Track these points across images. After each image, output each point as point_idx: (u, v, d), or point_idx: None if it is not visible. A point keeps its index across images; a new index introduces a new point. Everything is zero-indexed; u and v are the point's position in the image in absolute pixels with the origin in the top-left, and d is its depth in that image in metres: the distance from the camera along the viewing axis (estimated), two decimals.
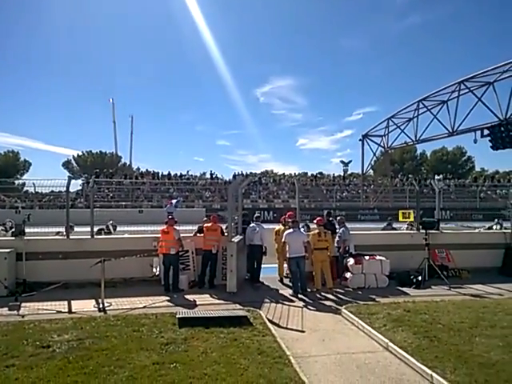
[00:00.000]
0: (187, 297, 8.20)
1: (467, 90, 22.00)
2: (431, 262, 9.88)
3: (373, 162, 34.64)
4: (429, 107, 25.52)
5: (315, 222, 9.60)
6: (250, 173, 42.38)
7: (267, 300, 8.14)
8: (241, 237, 9.57)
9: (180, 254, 8.98)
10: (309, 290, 8.74)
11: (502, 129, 19.72)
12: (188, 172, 38.79)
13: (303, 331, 6.39)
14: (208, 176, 39.19)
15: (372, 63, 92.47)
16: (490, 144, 20.70)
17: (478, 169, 59.50)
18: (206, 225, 9.36)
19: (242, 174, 38.39)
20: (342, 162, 52.09)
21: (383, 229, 13.23)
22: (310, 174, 48.49)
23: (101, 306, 7.30)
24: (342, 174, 47.04)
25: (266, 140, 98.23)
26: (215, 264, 9.15)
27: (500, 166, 57.61)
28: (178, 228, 8.96)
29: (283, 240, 8.84)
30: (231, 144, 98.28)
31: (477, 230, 13.08)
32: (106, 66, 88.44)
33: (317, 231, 9.27)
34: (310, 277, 9.13)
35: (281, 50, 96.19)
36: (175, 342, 5.52)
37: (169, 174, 36.67)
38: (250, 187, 34.06)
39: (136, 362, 4.91)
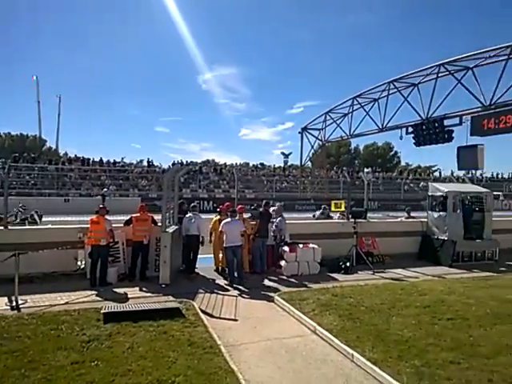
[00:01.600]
0: (116, 290, 7.79)
1: (395, 90, 23.49)
2: (358, 249, 10.47)
3: (311, 155, 35.81)
4: (362, 104, 26.88)
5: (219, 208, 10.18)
6: (191, 162, 41.44)
7: (202, 290, 8.04)
8: (176, 227, 9.33)
9: (110, 245, 8.50)
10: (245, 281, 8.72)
11: (424, 127, 21.35)
12: (123, 159, 36.92)
13: (236, 320, 6.40)
14: (145, 164, 37.68)
15: (315, 58, 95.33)
16: (414, 141, 22.36)
17: (403, 163, 64.23)
18: (134, 215, 8.96)
19: (182, 162, 37.42)
20: (283, 153, 53.20)
21: (317, 217, 13.68)
22: (251, 165, 48.87)
23: (14, 303, 6.62)
24: (283, 166, 48.06)
25: (209, 129, 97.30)
26: (146, 255, 8.81)
27: (422, 161, 62.72)
28: (109, 218, 8.48)
29: (220, 229, 8.81)
30: (171, 131, 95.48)
31: (399, 219, 14.06)
32: (32, 41, 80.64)
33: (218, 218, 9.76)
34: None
35: (226, 38, 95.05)
36: (98, 339, 5.21)
37: (101, 160, 34.51)
38: (190, 176, 33.42)
39: (52, 362, 4.54)
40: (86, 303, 6.88)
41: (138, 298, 7.31)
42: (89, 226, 8.30)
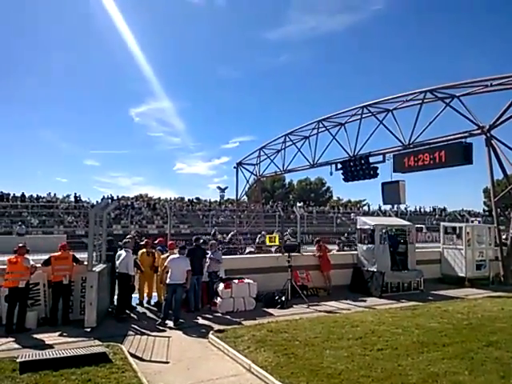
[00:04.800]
0: (35, 336, 7.11)
1: (324, 129, 25.17)
2: (293, 283, 10.68)
3: (246, 189, 36.39)
4: (294, 141, 28.20)
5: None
6: (122, 196, 40.04)
7: (132, 332, 7.63)
8: (104, 265, 8.85)
9: (29, 287, 7.82)
10: (181, 320, 8.38)
11: (351, 164, 22.88)
12: (49, 194, 34.47)
13: (167, 362, 6.13)
14: (72, 199, 35.49)
15: (248, 95, 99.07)
16: (342, 176, 23.88)
17: (335, 197, 67.78)
18: (53, 254, 8.38)
19: (113, 197, 35.87)
20: (219, 187, 53.54)
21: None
22: (186, 199, 48.23)
23: None
24: (219, 200, 48.15)
25: (142, 162, 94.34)
26: (69, 296, 8.22)
27: (352, 196, 66.82)
28: (29, 257, 7.87)
29: (166, 264, 8.69)
30: (101, 165, 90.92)
31: (332, 252, 14.66)
32: None
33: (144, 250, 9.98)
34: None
35: (158, 72, 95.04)
36: None
37: (22, 195, 31.90)
38: (121, 212, 32.09)
39: None
40: (1, 352, 6.19)
41: (59, 344, 6.71)
42: (6, 266, 7.61)
